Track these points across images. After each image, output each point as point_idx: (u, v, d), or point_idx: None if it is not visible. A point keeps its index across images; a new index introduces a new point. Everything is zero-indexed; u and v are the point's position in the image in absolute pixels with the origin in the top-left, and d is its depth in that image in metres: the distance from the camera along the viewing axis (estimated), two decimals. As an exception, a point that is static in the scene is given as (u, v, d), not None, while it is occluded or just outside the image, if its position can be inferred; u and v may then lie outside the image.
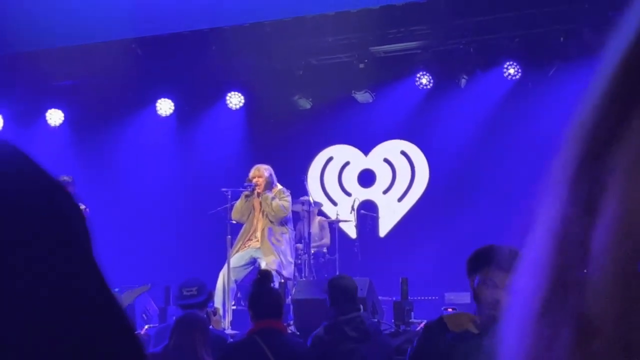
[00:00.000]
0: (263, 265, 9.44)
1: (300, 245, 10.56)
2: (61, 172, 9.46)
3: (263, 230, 9.61)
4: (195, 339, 5.23)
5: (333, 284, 6.22)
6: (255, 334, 5.16)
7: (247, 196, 9.67)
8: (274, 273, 9.33)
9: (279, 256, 9.56)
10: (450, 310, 6.93)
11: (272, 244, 9.56)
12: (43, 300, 0.68)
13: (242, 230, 9.82)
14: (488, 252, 4.28)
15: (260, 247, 9.59)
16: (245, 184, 9.71)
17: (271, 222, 9.64)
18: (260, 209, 9.71)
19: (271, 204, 9.52)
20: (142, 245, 12.21)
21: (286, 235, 9.74)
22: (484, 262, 4.26)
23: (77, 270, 0.72)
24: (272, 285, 5.49)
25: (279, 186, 9.82)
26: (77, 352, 0.69)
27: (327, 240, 11.42)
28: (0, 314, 0.66)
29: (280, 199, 9.61)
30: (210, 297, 6.78)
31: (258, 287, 5.36)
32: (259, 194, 9.63)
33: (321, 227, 11.56)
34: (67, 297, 0.70)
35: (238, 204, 9.71)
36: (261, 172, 9.73)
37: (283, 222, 9.76)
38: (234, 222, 9.74)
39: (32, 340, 0.66)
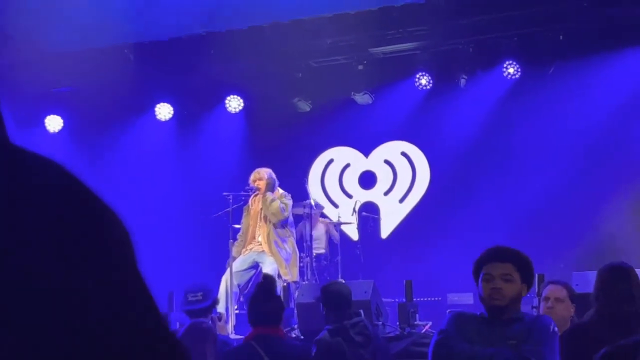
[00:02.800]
0: (265, 269, 9.43)
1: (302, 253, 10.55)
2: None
3: (267, 234, 9.60)
4: (205, 350, 5.20)
5: (328, 290, 6.22)
6: (252, 340, 5.14)
7: (243, 199, 9.71)
8: (276, 277, 9.32)
9: (282, 260, 9.55)
10: (455, 311, 6.89)
11: (277, 247, 9.55)
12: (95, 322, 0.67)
13: (241, 233, 9.80)
14: (481, 256, 4.43)
15: (264, 251, 9.58)
16: (247, 187, 9.70)
17: (273, 225, 9.62)
18: (261, 212, 9.71)
19: (270, 205, 9.51)
20: (143, 251, 12.15)
21: (289, 238, 9.72)
22: (480, 264, 4.40)
23: (124, 296, 0.72)
24: (274, 291, 5.46)
25: (280, 190, 9.81)
26: None
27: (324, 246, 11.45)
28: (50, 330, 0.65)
29: (281, 201, 9.61)
30: (215, 302, 6.75)
31: (258, 292, 5.34)
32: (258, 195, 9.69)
33: (326, 231, 11.58)
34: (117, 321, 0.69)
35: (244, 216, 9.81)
36: (261, 175, 9.74)
37: (284, 225, 9.75)
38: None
39: None
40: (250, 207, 9.84)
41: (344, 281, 8.12)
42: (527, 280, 4.40)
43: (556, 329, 4.30)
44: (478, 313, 4.45)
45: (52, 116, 12.93)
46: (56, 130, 13.01)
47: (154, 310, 0.74)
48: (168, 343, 0.74)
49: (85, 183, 0.76)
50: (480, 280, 4.37)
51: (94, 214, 0.74)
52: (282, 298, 9.05)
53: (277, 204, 9.53)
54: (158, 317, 0.74)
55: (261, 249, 9.62)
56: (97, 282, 0.70)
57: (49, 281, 0.68)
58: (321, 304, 6.21)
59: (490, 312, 4.34)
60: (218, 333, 6.12)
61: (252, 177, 9.78)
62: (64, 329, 0.66)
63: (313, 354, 5.86)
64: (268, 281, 5.44)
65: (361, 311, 6.64)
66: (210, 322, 6.30)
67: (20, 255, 0.68)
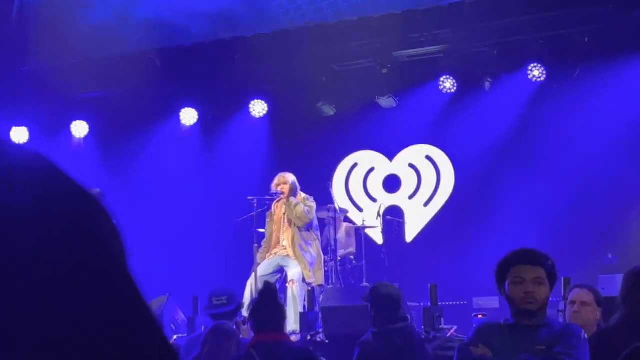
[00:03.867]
0: (290, 274, 9.43)
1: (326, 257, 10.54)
2: (87, 184, 9.48)
3: (292, 238, 9.60)
4: (229, 350, 5.21)
5: (378, 292, 6.19)
6: (252, 347, 5.16)
7: (267, 205, 9.73)
8: (300, 281, 9.32)
9: (307, 263, 9.55)
10: (480, 316, 6.87)
11: (302, 251, 9.55)
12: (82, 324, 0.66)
13: (265, 239, 9.81)
14: (508, 257, 4.38)
15: (288, 255, 9.58)
16: (271, 192, 9.71)
17: (298, 229, 9.63)
18: (285, 216, 9.72)
19: (295, 209, 9.52)
20: (169, 255, 12.23)
21: (314, 242, 9.72)
22: (508, 265, 4.35)
23: (112, 295, 0.71)
24: (275, 298, 5.46)
25: (303, 194, 9.82)
26: None
27: (352, 249, 11.41)
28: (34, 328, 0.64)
29: (305, 204, 9.62)
30: (240, 306, 6.76)
31: (260, 300, 5.36)
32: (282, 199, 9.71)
33: (347, 234, 11.54)
34: (105, 322, 0.68)
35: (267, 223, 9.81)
36: (286, 179, 9.74)
37: (309, 228, 9.74)
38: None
39: None
40: (273, 212, 9.84)
41: (396, 285, 8.09)
42: (552, 283, 4.38)
43: (586, 336, 4.26)
44: (502, 321, 4.41)
45: (77, 122, 13.00)
46: (82, 136, 13.09)
47: (143, 310, 0.73)
48: (159, 345, 0.73)
49: (71, 176, 0.75)
50: (508, 282, 4.32)
51: (80, 207, 0.73)
52: (303, 303, 9.08)
53: (301, 207, 9.53)
54: (149, 317, 0.73)
55: (286, 253, 9.62)
56: (83, 281, 0.69)
57: (31, 280, 0.67)
58: (369, 305, 6.19)
59: (519, 316, 4.30)
60: (242, 337, 6.12)
61: (275, 182, 9.78)
62: (48, 331, 0.65)
63: (355, 356, 5.85)
64: (269, 289, 5.45)
65: (408, 316, 6.63)
66: (234, 325, 6.31)
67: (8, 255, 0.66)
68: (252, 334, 5.19)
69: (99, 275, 0.71)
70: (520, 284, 4.28)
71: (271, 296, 5.31)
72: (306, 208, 9.57)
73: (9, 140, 0.78)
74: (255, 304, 5.32)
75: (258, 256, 9.67)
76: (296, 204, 9.56)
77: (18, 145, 0.78)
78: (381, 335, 5.92)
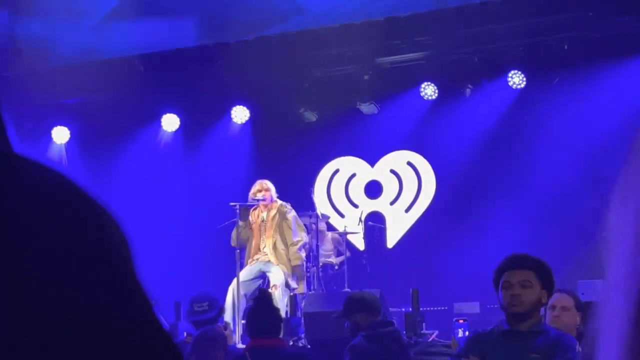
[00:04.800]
0: (272, 279, 9.45)
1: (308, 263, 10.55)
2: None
3: (274, 244, 9.62)
4: (216, 357, 5.23)
5: (358, 297, 6.21)
6: (247, 351, 5.19)
7: (242, 226, 9.69)
8: (283, 286, 9.34)
9: (290, 269, 9.58)
10: (461, 321, 6.91)
11: (285, 257, 9.59)
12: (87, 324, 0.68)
13: (248, 246, 9.82)
14: (500, 264, 4.43)
15: (270, 260, 9.60)
16: (255, 198, 9.70)
17: (280, 235, 9.66)
18: (263, 223, 9.74)
19: (294, 252, 9.64)
20: (151, 261, 12.19)
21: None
22: (500, 273, 4.39)
23: (118, 300, 0.73)
24: (271, 303, 5.50)
25: (279, 201, 9.86)
26: None
27: (343, 257, 11.40)
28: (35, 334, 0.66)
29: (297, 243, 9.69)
30: (221, 312, 6.77)
31: (255, 306, 5.39)
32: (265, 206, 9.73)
33: (338, 242, 11.57)
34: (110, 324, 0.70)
35: (234, 233, 9.72)
36: (268, 185, 9.77)
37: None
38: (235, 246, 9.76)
39: None
40: (251, 219, 9.84)
41: (378, 290, 8.12)
42: (547, 286, 4.40)
43: (580, 349, 4.28)
44: (496, 327, 4.44)
45: (59, 127, 12.96)
46: (63, 142, 13.04)
47: (153, 317, 0.75)
48: (170, 351, 0.75)
49: (80, 185, 0.77)
50: (500, 288, 4.37)
51: (90, 216, 0.75)
52: (285, 308, 9.10)
53: (294, 250, 9.64)
54: (158, 324, 0.75)
55: (267, 259, 9.63)
56: (94, 289, 0.71)
57: (41, 287, 0.68)
58: (347, 316, 6.18)
59: (510, 320, 4.34)
60: (225, 342, 6.13)
61: (257, 187, 9.78)
62: (59, 336, 0.67)
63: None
64: (264, 295, 5.48)
65: (394, 320, 6.65)
66: (219, 330, 6.32)
67: (10, 260, 0.68)
68: (245, 339, 5.23)
69: (107, 279, 0.72)
70: (508, 288, 4.33)
71: (267, 302, 5.35)
72: (298, 248, 9.69)
73: (21, 154, 0.80)
74: (251, 310, 5.36)
75: (245, 257, 9.71)
76: (295, 245, 9.67)
77: (27, 157, 0.80)
78: (372, 338, 5.95)
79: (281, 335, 5.79)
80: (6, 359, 0.66)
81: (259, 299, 5.41)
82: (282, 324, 5.57)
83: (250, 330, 5.26)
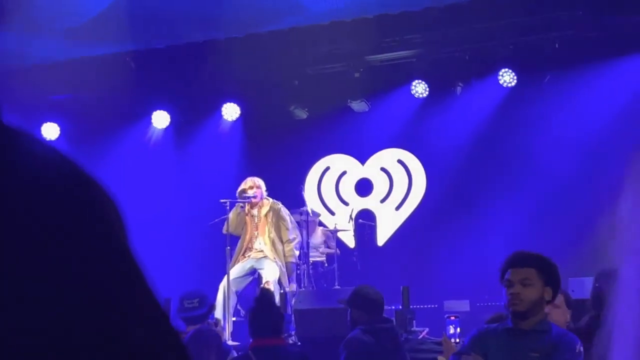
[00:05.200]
0: (265, 274, 9.46)
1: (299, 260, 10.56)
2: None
3: (268, 241, 9.65)
4: (210, 355, 5.24)
5: (363, 293, 6.23)
6: (250, 350, 5.21)
7: (240, 207, 9.73)
8: (275, 283, 9.35)
9: (281, 266, 9.59)
10: (453, 317, 6.91)
11: (280, 253, 9.63)
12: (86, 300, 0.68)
13: (239, 242, 9.83)
14: (503, 263, 4.43)
15: (265, 256, 9.62)
16: (245, 195, 9.71)
17: (274, 231, 9.70)
18: (256, 220, 9.76)
19: (290, 249, 9.68)
20: (141, 257, 12.15)
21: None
22: (503, 271, 4.41)
23: (114, 270, 0.72)
24: (273, 303, 5.53)
25: (270, 199, 9.88)
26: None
27: (332, 250, 11.40)
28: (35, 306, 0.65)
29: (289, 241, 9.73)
30: (212, 308, 6.77)
31: (258, 305, 5.41)
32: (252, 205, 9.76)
33: (328, 238, 11.57)
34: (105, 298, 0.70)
35: (232, 215, 9.74)
36: (258, 183, 9.79)
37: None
38: (226, 234, 9.77)
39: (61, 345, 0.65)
40: (245, 216, 9.86)
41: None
42: (551, 283, 4.40)
43: (582, 349, 4.27)
44: (501, 324, 4.44)
45: (48, 124, 12.93)
46: (53, 139, 13.00)
47: (151, 295, 0.75)
48: (168, 332, 0.75)
49: (78, 164, 0.76)
50: (504, 286, 4.38)
51: (89, 195, 0.75)
52: (280, 306, 9.10)
53: (291, 249, 9.68)
54: (156, 302, 0.75)
55: (261, 255, 9.65)
56: (94, 268, 0.70)
57: (40, 265, 0.67)
58: (350, 307, 6.22)
59: (512, 317, 4.35)
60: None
61: (248, 184, 9.79)
62: (59, 316, 0.66)
63: (345, 355, 5.87)
64: (267, 294, 5.50)
65: (392, 318, 6.67)
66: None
67: (9, 239, 0.67)
68: (235, 336, 5.26)
69: (106, 258, 0.72)
70: (509, 286, 4.34)
71: (270, 302, 5.38)
72: (293, 247, 9.74)
73: (30, 134, 0.79)
74: (254, 310, 5.38)
75: (235, 253, 9.73)
76: (285, 217, 9.71)
77: (34, 138, 0.79)
78: (369, 332, 5.97)
79: (284, 335, 5.83)
80: (6, 349, 0.65)
81: (261, 299, 5.44)
82: (284, 324, 5.60)
83: (253, 330, 5.30)
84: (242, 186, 9.81)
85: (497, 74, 11.47)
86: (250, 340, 5.39)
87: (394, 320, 6.49)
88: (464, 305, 10.04)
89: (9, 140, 0.75)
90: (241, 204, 9.76)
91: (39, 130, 12.91)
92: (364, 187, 13.09)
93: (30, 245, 0.67)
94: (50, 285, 0.67)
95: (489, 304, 9.61)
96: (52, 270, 0.67)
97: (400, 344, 6.21)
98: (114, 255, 0.73)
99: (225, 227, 9.77)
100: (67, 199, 0.72)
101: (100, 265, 0.71)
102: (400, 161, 12.92)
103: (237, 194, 9.79)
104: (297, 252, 9.87)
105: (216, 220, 10.07)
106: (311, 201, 11.99)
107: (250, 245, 9.76)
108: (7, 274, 0.65)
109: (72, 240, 0.70)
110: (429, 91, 11.87)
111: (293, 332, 8.58)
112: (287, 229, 9.73)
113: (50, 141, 12.88)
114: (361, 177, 13.14)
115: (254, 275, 9.72)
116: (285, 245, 9.69)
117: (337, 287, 10.26)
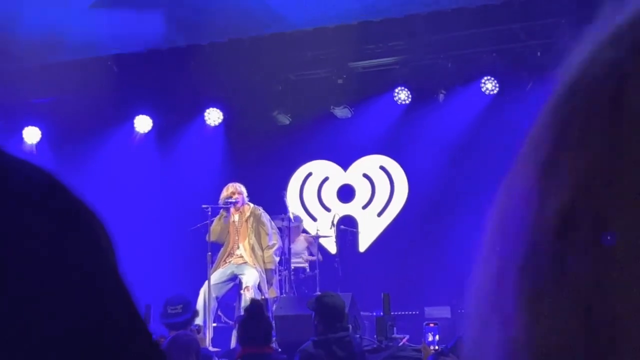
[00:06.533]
0: (245, 280, 9.44)
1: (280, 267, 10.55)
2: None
3: (249, 247, 9.64)
4: None
5: (323, 302, 6.23)
6: (240, 358, 5.23)
7: (224, 217, 9.72)
8: (255, 288, 9.34)
9: (260, 272, 9.58)
10: (432, 325, 6.93)
11: (259, 259, 9.62)
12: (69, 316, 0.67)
13: (222, 248, 9.82)
14: None
15: (245, 262, 9.61)
16: (227, 201, 9.70)
17: (255, 238, 9.69)
18: (237, 225, 9.75)
19: (269, 255, 9.68)
20: (122, 263, 12.10)
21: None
22: None
23: (103, 297, 0.72)
24: (262, 313, 5.57)
25: (251, 204, 9.87)
26: None
27: (314, 257, 11.39)
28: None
29: (267, 234, 9.72)
30: (195, 314, 6.75)
31: (247, 316, 5.44)
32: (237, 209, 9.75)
33: (310, 244, 11.56)
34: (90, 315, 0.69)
35: (215, 225, 9.73)
36: (239, 189, 9.79)
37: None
38: (210, 242, 9.76)
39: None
40: (228, 224, 9.85)
41: (350, 294, 8.11)
42: None
43: None
44: None
45: (30, 127, 12.85)
46: (34, 142, 12.93)
47: (137, 317, 0.74)
48: (149, 348, 0.74)
49: (64, 183, 0.76)
50: None
51: (74, 214, 0.74)
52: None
53: (270, 254, 9.68)
54: (142, 324, 0.74)
55: (242, 261, 9.63)
56: (78, 288, 0.70)
57: (24, 284, 0.66)
58: (314, 314, 6.23)
59: None
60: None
61: (230, 190, 9.79)
62: (43, 336, 0.65)
63: None
64: (256, 305, 5.53)
65: (350, 326, 6.66)
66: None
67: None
68: (216, 342, 5.27)
69: (92, 278, 0.71)
70: None
71: (260, 312, 5.40)
72: (273, 253, 9.74)
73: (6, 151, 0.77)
74: (244, 320, 5.41)
75: (217, 259, 9.71)
76: (269, 248, 9.72)
77: (14, 156, 0.78)
78: (320, 343, 5.97)
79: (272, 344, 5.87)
80: None
81: (251, 309, 5.47)
82: (272, 332, 5.64)
83: (242, 339, 5.33)
84: (224, 193, 9.81)
85: (479, 82, 11.51)
86: (236, 347, 5.43)
87: (350, 328, 6.47)
88: (445, 312, 10.07)
89: None
90: (225, 214, 9.74)
91: (20, 134, 12.84)
92: (346, 194, 13.10)
93: (5, 271, 0.66)
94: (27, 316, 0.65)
95: (470, 310, 9.62)
96: (27, 300, 0.66)
97: (355, 353, 6.21)
98: (100, 283, 0.72)
99: (208, 236, 9.76)
100: (45, 214, 0.71)
101: (83, 291, 0.70)
102: (382, 167, 12.93)
103: (219, 202, 9.78)
104: (277, 258, 9.86)
105: (198, 225, 10.05)
106: (293, 207, 11.99)
107: (231, 251, 9.76)
108: None
109: (54, 263, 0.69)
110: (412, 98, 11.90)
111: (274, 338, 8.56)
112: (267, 234, 9.72)
113: (32, 145, 12.83)
114: (343, 183, 13.15)
115: (235, 281, 9.70)
116: (264, 251, 9.68)
117: (318, 293, 10.24)
